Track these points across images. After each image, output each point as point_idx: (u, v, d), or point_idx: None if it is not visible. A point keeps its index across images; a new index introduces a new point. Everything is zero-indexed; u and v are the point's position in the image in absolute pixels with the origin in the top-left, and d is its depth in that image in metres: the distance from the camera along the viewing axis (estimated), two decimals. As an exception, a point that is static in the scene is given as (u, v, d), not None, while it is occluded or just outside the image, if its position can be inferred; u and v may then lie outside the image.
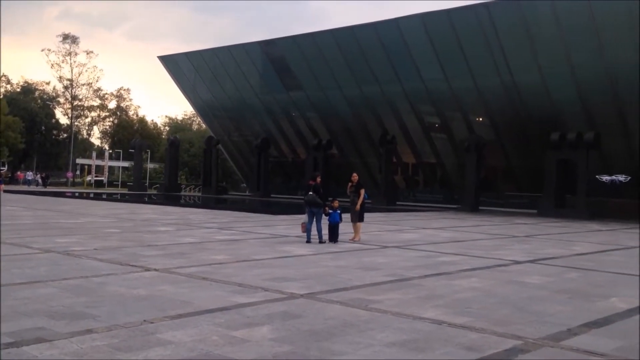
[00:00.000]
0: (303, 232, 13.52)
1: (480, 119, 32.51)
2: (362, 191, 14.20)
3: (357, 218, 14.04)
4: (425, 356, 5.04)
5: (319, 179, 13.87)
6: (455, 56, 29.49)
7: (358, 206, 14.00)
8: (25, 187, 48.31)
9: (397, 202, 34.01)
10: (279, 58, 37.31)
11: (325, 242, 13.23)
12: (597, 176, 25.43)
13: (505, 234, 17.19)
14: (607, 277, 9.60)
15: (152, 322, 5.80)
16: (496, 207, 31.64)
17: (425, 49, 30.34)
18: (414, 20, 30.08)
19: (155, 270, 8.92)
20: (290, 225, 17.74)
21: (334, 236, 13.53)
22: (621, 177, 24.57)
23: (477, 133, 30.95)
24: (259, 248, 12.19)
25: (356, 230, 14.12)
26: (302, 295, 7.40)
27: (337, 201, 13.98)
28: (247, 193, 45.77)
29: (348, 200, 14.41)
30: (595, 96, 26.61)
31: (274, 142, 41.31)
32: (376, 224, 19.38)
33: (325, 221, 13.61)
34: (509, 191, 32.77)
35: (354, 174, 14.54)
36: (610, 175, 25.18)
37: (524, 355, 5.11)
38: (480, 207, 30.02)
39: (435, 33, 29.66)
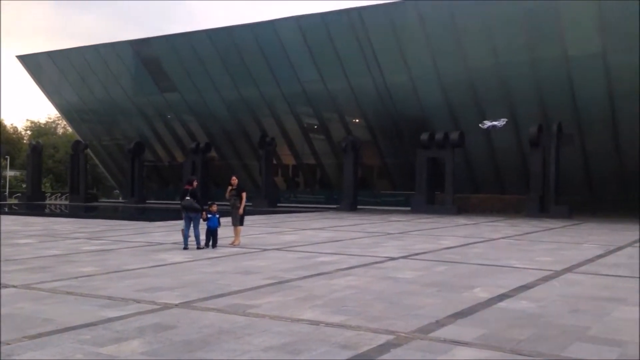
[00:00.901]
0: (183, 237, 13.12)
1: (356, 120, 33.48)
2: (244, 194, 14.05)
3: (238, 222, 13.86)
4: (302, 358, 5.03)
5: (195, 183, 13.52)
6: (330, 58, 30.14)
7: (241, 210, 13.82)
8: None
9: (278, 204, 34.13)
10: (152, 58, 36.05)
11: (203, 248, 12.94)
12: (479, 124, 26.71)
13: (381, 232, 17.79)
14: (471, 269, 10.21)
15: (8, 344, 5.31)
16: (374, 206, 32.73)
17: (302, 51, 30.74)
18: (289, 23, 30.36)
19: (14, 287, 8.22)
20: (167, 232, 17.16)
21: (213, 241, 13.28)
22: (499, 122, 25.75)
23: (353, 134, 31.84)
24: (132, 257, 11.65)
25: (236, 234, 13.95)
26: (176, 305, 7.15)
27: (215, 205, 13.72)
28: (120, 200, 43.80)
29: (227, 204, 14.18)
30: (459, 97, 28.35)
31: (149, 145, 39.87)
32: (257, 227, 19.28)
33: (203, 226, 13.31)
34: (385, 189, 34.04)
35: (234, 178, 14.34)
36: (491, 121, 26.54)
37: (395, 350, 5.27)
38: (358, 206, 30.90)
39: (311, 35, 30.14)
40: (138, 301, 7.35)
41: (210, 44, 32.95)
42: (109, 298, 7.54)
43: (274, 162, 34.94)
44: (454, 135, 27.09)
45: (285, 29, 30.71)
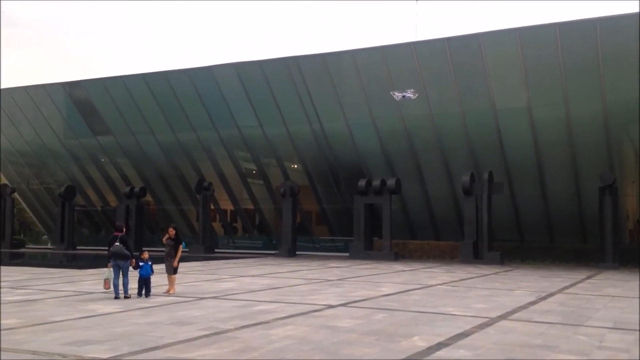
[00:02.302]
0: (106, 288, 12.56)
1: (294, 166, 33.62)
2: (180, 247, 13.78)
3: (172, 271, 13.51)
4: (237, 416, 4.85)
5: (124, 230, 13.11)
6: (268, 105, 30.35)
7: (176, 262, 13.50)
8: None
9: (216, 250, 33.52)
10: (85, 101, 35.24)
11: (130, 297, 12.44)
12: (390, 92, 26.96)
13: (320, 278, 17.69)
14: (409, 317, 10.25)
15: None
16: (312, 252, 32.63)
17: (240, 97, 30.82)
18: (227, 69, 30.48)
19: None
20: (97, 280, 16.43)
21: (146, 290, 12.82)
22: (410, 93, 26.14)
23: (292, 179, 31.91)
24: (59, 308, 11.07)
25: (171, 283, 13.55)
26: (105, 360, 6.80)
27: (147, 253, 13.32)
28: (49, 246, 41.88)
29: (162, 249, 13.81)
30: (394, 145, 29.03)
31: (81, 190, 38.55)
32: (193, 274, 18.80)
33: (135, 274, 12.84)
34: (324, 235, 34.05)
35: (171, 229, 13.92)
36: (401, 92, 26.86)
37: (335, 404, 5.17)
38: (297, 252, 30.72)
39: (249, 82, 30.31)
40: (64, 356, 6.96)
41: (146, 87, 32.58)
42: (33, 353, 7.11)
43: (212, 207, 34.45)
44: (391, 182, 27.60)
45: (223, 75, 30.81)
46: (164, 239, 13.80)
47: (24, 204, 43.52)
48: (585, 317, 10.43)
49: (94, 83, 34.31)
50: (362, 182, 28.18)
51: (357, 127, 29.27)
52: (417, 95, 26.69)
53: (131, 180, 36.28)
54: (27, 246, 41.37)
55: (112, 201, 38.35)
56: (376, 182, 27.82)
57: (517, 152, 26.94)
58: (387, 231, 27.61)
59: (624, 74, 23.74)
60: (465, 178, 25.81)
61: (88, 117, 35.62)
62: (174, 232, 13.82)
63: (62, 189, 36.22)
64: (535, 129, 25.97)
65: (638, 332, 8.91)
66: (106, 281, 12.51)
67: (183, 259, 23.49)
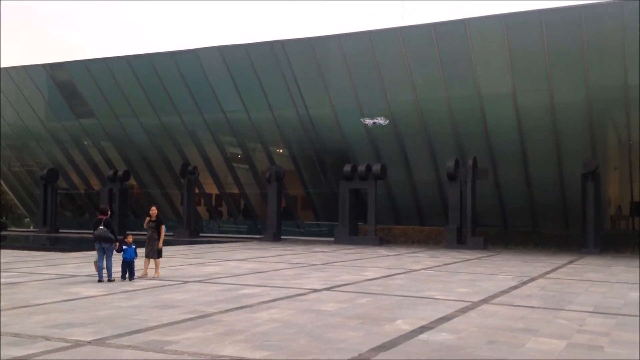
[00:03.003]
0: (96, 270, 12.56)
1: (280, 150, 33.54)
2: (163, 228, 13.70)
3: (156, 254, 13.46)
4: (222, 398, 4.87)
5: (109, 213, 13.03)
6: (254, 88, 30.18)
7: (160, 244, 13.46)
8: None
9: (201, 234, 33.45)
10: (68, 83, 34.78)
11: (114, 281, 12.41)
12: (360, 119, 27.41)
13: (305, 263, 17.75)
14: (393, 301, 10.33)
15: None
16: (297, 236, 32.69)
17: (225, 81, 30.60)
18: (212, 52, 30.21)
19: None
20: (81, 263, 16.37)
21: (130, 274, 12.80)
22: (381, 120, 26.58)
23: (277, 163, 31.85)
24: (42, 291, 10.99)
25: (156, 266, 13.53)
26: (89, 342, 6.78)
27: (131, 236, 13.28)
28: (31, 229, 41.52)
29: (145, 233, 13.74)
30: (380, 130, 29.03)
31: (64, 172, 38.15)
32: (178, 258, 18.76)
33: (118, 258, 12.80)
34: (309, 220, 34.11)
35: (153, 208, 13.93)
36: (372, 119, 27.21)
37: (319, 386, 5.21)
38: (282, 237, 30.76)
39: (234, 66, 30.09)
40: (47, 338, 6.93)
41: (130, 70, 32.21)
42: (16, 335, 7.07)
43: (197, 191, 34.32)
44: (376, 168, 27.65)
45: (207, 58, 30.52)
46: (145, 223, 13.71)
47: (5, 187, 43.04)
48: (567, 301, 10.59)
49: (76, 65, 33.82)
50: (347, 168, 28.21)
51: (343, 112, 29.24)
52: (387, 122, 26.89)
53: (115, 164, 35.98)
54: (9, 229, 40.98)
55: (96, 184, 38.04)
56: (361, 168, 27.86)
57: (502, 138, 27.11)
58: (372, 216, 27.71)
59: (608, 60, 23.93)
60: (450, 164, 25.93)
61: (70, 99, 35.19)
62: (156, 212, 13.76)
63: (45, 171, 35.86)
64: (519, 115, 26.13)
65: (618, 317, 9.07)
66: (95, 263, 12.50)
67: (167, 243, 23.44)
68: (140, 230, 13.72)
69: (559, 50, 24.33)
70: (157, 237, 13.48)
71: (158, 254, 13.49)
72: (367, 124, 27.04)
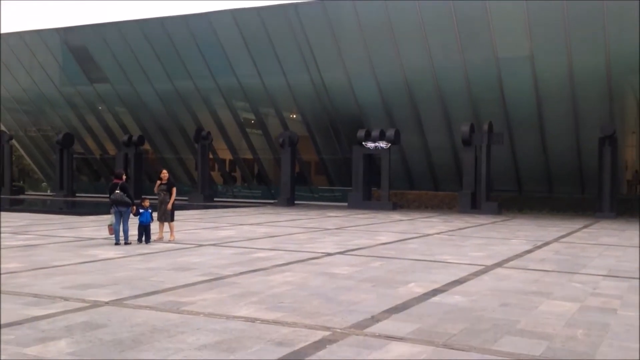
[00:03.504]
0: (111, 234, 12.74)
1: (293, 116, 33.42)
2: (174, 190, 13.78)
3: (169, 218, 13.59)
4: (236, 356, 4.96)
5: (124, 177, 13.13)
6: (267, 53, 29.91)
7: (170, 205, 13.56)
8: None
9: (215, 199, 33.71)
10: (81, 48, 34.70)
11: (131, 244, 12.59)
12: (362, 143, 27.72)
13: (318, 227, 17.85)
14: (406, 264, 10.39)
15: None
16: (311, 201, 32.82)
17: (238, 45, 30.33)
18: (225, 16, 29.88)
19: None
20: (98, 226, 16.61)
21: (146, 237, 12.98)
22: (383, 144, 26.89)
23: (290, 129, 31.77)
24: (60, 253, 11.19)
25: (171, 230, 13.67)
26: (107, 303, 6.91)
27: (147, 200, 13.41)
28: (48, 193, 42.08)
29: (157, 198, 13.84)
30: (394, 95, 28.78)
31: (79, 137, 38.41)
32: (192, 222, 18.95)
33: (134, 221, 12.96)
34: (322, 185, 34.18)
35: (164, 171, 14.03)
36: (374, 142, 27.41)
37: (331, 346, 5.28)
38: (296, 202, 30.90)
39: (246, 30, 29.78)
40: (66, 299, 7.07)
41: (142, 34, 32.02)
42: (35, 296, 7.22)
43: (211, 156, 34.43)
44: (390, 133, 27.49)
45: (220, 22, 30.21)
46: (156, 187, 13.78)
47: (22, 151, 43.48)
48: (580, 265, 10.58)
49: (89, 29, 33.66)
50: (361, 133, 28.07)
51: (356, 77, 28.94)
52: (389, 145, 27.05)
53: (129, 129, 36.13)
54: (26, 193, 41.57)
55: (111, 149, 38.31)
56: (375, 133, 27.71)
57: (518, 102, 26.74)
58: (386, 181, 27.68)
59: (627, 24, 23.31)
60: (465, 128, 25.70)
61: (84, 64, 35.14)
62: (167, 175, 13.83)
63: (60, 136, 36.11)
64: (536, 79, 25.70)
65: (632, 280, 9.05)
66: (110, 227, 12.66)
67: (182, 207, 23.66)
68: (155, 195, 13.81)
69: (578, 14, 23.74)
70: (168, 200, 13.56)
71: (171, 217, 13.59)
72: (369, 147, 27.36)
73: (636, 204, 25.65)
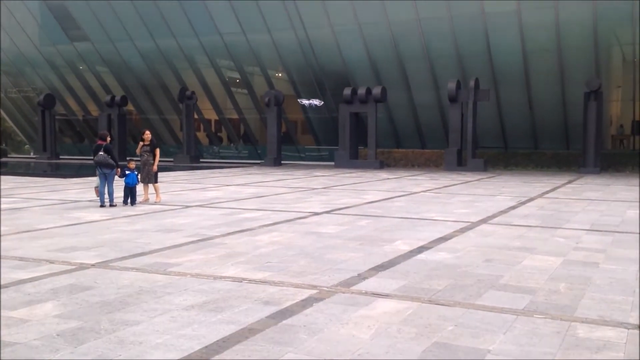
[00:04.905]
0: (97, 196, 12.66)
1: (279, 74, 33.03)
2: (158, 151, 13.64)
3: (153, 179, 13.48)
4: (224, 316, 4.99)
5: (108, 139, 12.96)
6: (251, 9, 29.32)
7: (155, 167, 13.45)
8: None
9: (201, 160, 33.54)
10: (59, 6, 33.79)
11: (116, 206, 12.52)
12: (298, 100, 27.88)
13: (305, 187, 17.86)
14: (392, 222, 10.45)
15: None
16: (298, 161, 32.76)
17: (221, 1, 29.68)
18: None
19: None
20: (82, 189, 16.48)
21: (131, 199, 12.90)
22: (316, 102, 27.19)
23: (276, 88, 31.44)
24: (45, 216, 11.12)
25: (157, 191, 13.60)
26: (93, 265, 6.90)
27: (133, 162, 13.29)
28: (31, 155, 41.62)
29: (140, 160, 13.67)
30: (381, 53, 28.47)
31: (61, 98, 37.81)
32: (178, 183, 18.87)
33: (120, 183, 12.86)
34: (309, 145, 34.07)
35: (146, 132, 13.83)
36: (308, 99, 27.61)
37: (318, 304, 5.33)
38: (282, 162, 30.83)
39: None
40: (52, 262, 7.05)
41: (124, -9, 31.21)
42: (20, 259, 7.18)
43: (196, 116, 34.09)
44: (377, 91, 27.29)
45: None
46: (138, 148, 13.61)
47: (3, 113, 42.78)
48: (564, 220, 10.71)
49: (68, -14, 32.75)
50: (347, 91, 27.84)
51: (342, 33, 28.54)
52: (322, 103, 26.58)
53: (112, 89, 35.58)
54: (9, 155, 41.08)
55: (94, 110, 37.78)
56: (361, 91, 27.51)
57: (505, 58, 26.58)
58: (373, 140, 27.63)
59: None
60: (452, 85, 25.58)
61: (64, 22, 34.32)
62: (150, 135, 13.67)
63: (41, 97, 35.51)
64: (523, 34, 25.51)
65: (615, 234, 9.19)
66: (96, 189, 12.57)
67: (168, 169, 23.58)
68: (139, 157, 13.68)
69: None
70: (152, 161, 13.43)
71: (155, 179, 13.49)
72: (304, 105, 27.30)
73: (620, 159, 25.88)
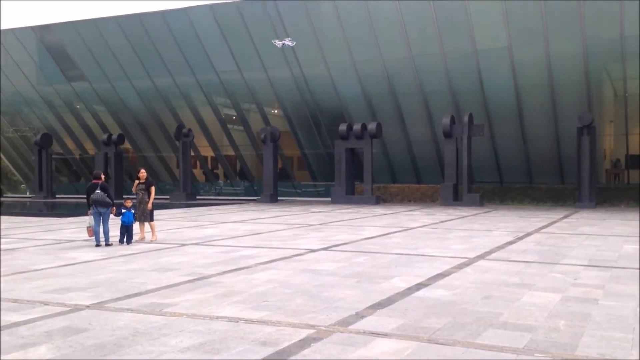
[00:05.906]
0: (90, 236, 12.58)
1: (275, 111, 33.29)
2: (153, 189, 13.64)
3: (149, 217, 13.44)
4: (220, 358, 4.92)
5: (103, 177, 12.98)
6: (247, 48, 29.75)
7: (150, 205, 13.42)
8: None
9: (198, 197, 33.50)
10: (58, 46, 34.22)
11: (112, 245, 12.45)
12: (272, 41, 27.85)
13: (302, 223, 17.82)
14: (390, 259, 10.40)
15: None
16: (294, 197, 32.77)
17: (217, 40, 30.12)
18: (203, 11, 29.65)
19: None
20: (78, 228, 16.40)
21: (128, 237, 12.84)
22: (288, 41, 27.09)
23: (272, 124, 31.65)
24: (40, 256, 11.03)
25: (152, 230, 13.54)
26: (88, 306, 6.82)
27: (129, 200, 13.27)
28: (27, 195, 41.51)
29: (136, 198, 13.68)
30: (375, 89, 28.79)
31: (58, 137, 37.93)
32: (175, 221, 18.81)
33: (115, 222, 12.82)
34: (305, 180, 34.13)
35: (142, 170, 13.88)
36: (281, 40, 27.56)
37: (316, 344, 5.26)
38: (279, 198, 30.83)
39: (226, 25, 29.57)
40: (46, 303, 6.97)
41: (120, 31, 31.65)
42: (14, 301, 7.11)
43: (192, 153, 34.21)
44: (372, 126, 27.51)
45: (199, 17, 29.97)
46: (134, 186, 13.64)
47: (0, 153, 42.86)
48: (561, 255, 10.68)
49: (66, 27, 33.20)
50: (343, 127, 28.06)
51: (337, 70, 28.91)
52: (294, 43, 27.03)
53: (109, 128, 35.75)
54: (5, 195, 40.98)
55: (90, 149, 37.89)
56: (357, 127, 27.71)
57: (498, 93, 26.92)
58: (369, 175, 27.72)
59: (604, 13, 23.57)
60: (446, 120, 25.80)
61: (61, 62, 34.69)
62: (145, 174, 13.69)
63: (38, 136, 35.63)
64: (515, 70, 25.89)
65: (612, 269, 9.16)
66: (89, 228, 12.50)
67: (164, 207, 23.54)
68: (135, 195, 13.67)
69: (555, 3, 23.92)
70: (147, 199, 13.42)
71: (150, 217, 13.46)
72: (277, 45, 27.34)
73: (615, 193, 25.97)
